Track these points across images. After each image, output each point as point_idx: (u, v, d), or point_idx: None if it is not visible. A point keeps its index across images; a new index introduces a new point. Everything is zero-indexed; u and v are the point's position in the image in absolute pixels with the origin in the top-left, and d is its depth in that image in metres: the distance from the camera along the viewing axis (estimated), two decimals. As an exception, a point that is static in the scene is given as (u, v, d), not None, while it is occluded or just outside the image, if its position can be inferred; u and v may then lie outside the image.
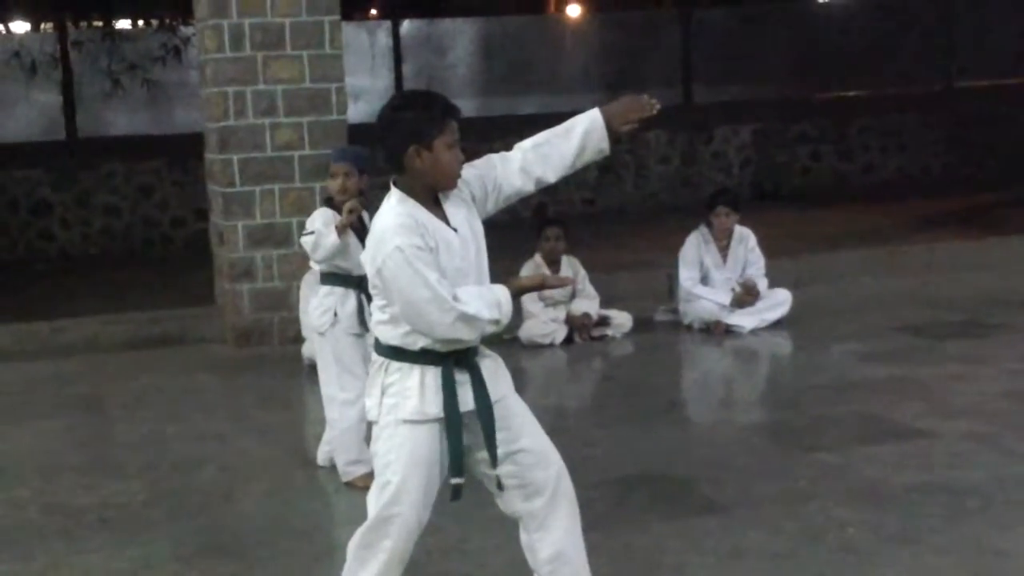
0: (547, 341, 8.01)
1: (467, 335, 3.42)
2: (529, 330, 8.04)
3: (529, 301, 8.06)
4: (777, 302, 8.24)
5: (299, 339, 7.69)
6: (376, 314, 3.55)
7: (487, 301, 3.45)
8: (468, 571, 4.44)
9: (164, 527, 5.02)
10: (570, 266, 8.24)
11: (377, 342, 3.56)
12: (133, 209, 11.80)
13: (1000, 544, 4.43)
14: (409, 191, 3.48)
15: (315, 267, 5.53)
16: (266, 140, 8.17)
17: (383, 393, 3.50)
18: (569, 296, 8.20)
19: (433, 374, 3.47)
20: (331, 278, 5.38)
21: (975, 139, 14.52)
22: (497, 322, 3.45)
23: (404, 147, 3.43)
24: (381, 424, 3.51)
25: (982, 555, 4.35)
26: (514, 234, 10.85)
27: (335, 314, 5.32)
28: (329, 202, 5.48)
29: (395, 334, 3.47)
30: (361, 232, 5.41)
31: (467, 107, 17.20)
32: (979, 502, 4.85)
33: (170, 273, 10.30)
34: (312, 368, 7.41)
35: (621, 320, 8.20)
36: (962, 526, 4.61)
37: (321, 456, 5.70)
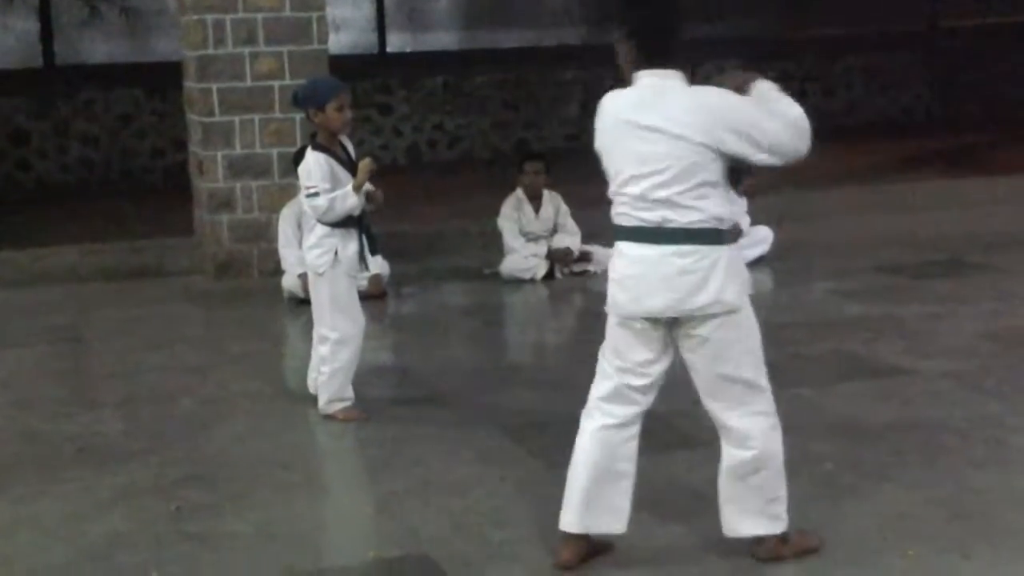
0: (528, 276, 8.00)
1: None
2: (510, 265, 8.02)
3: (511, 236, 8.04)
4: (758, 239, 8.23)
5: (279, 271, 7.65)
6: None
7: None
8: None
9: (143, 458, 5.01)
10: (551, 201, 8.21)
11: (689, 232, 3.83)
12: (112, 139, 11.68)
13: (975, 481, 4.46)
14: None
15: (306, 209, 5.39)
16: (246, 69, 8.07)
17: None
18: (551, 231, 8.18)
19: None
20: None
21: (959, 79, 14.46)
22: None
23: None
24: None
25: (958, 491, 4.38)
26: (495, 169, 10.83)
27: (335, 254, 5.26)
28: (314, 140, 5.32)
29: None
30: (349, 165, 5.33)
31: (449, 40, 16.90)
32: (956, 440, 4.88)
33: (149, 203, 10.23)
34: (292, 301, 7.42)
35: (602, 255, 8.17)
36: (938, 463, 4.65)
37: (311, 383, 5.61)
